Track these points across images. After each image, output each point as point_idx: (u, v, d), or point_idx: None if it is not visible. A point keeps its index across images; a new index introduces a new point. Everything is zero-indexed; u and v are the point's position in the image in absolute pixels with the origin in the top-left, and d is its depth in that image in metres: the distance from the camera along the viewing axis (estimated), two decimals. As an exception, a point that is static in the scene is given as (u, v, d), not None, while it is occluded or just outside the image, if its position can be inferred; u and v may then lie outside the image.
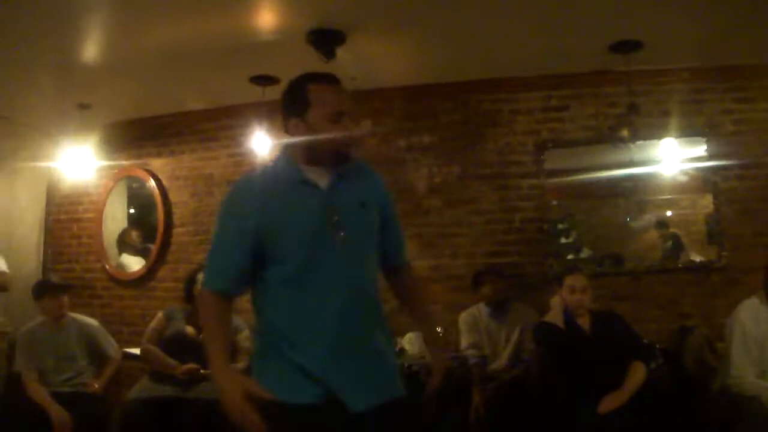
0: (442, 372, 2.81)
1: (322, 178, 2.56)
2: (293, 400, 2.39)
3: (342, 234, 2.49)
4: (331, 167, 2.58)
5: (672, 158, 5.77)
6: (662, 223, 5.92)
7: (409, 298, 2.95)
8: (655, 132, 5.74)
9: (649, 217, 5.98)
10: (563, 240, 6.02)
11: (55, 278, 5.54)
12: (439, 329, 2.98)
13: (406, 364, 5.19)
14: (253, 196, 2.55)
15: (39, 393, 4.92)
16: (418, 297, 3.05)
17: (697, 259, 5.73)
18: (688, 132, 5.72)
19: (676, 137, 5.73)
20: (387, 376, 2.59)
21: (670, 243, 5.89)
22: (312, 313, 2.46)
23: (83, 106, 6.70)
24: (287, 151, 2.64)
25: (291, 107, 2.59)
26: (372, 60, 5.63)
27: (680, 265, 5.71)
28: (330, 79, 2.61)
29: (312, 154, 2.57)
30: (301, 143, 2.56)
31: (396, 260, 2.87)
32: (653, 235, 5.96)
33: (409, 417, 2.63)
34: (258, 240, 2.48)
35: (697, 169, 5.74)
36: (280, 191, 2.54)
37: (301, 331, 2.46)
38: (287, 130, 2.62)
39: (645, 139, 5.68)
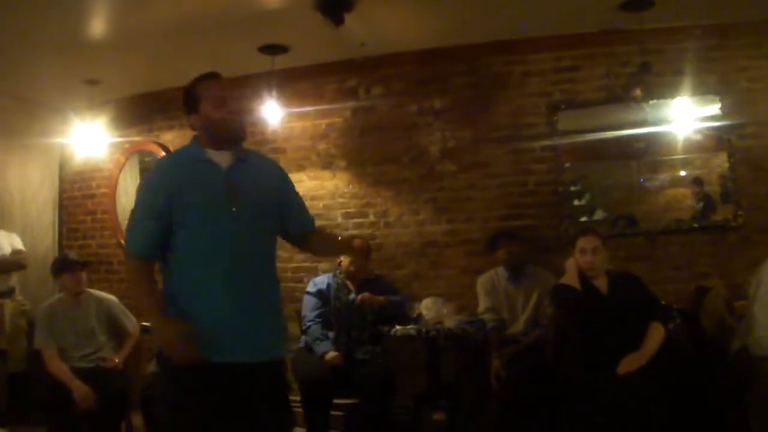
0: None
1: (224, 160, 2.99)
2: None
3: (237, 206, 2.90)
4: (231, 149, 3.02)
5: (685, 117, 5.69)
6: (698, 181, 5.84)
7: (322, 240, 3.56)
8: (668, 91, 5.65)
9: (665, 177, 5.94)
10: (576, 202, 5.99)
11: (72, 254, 5.53)
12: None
13: (423, 330, 5.21)
14: (164, 174, 3.04)
15: (60, 369, 4.94)
16: (325, 235, 3.88)
17: (713, 218, 5.69)
18: (702, 90, 5.62)
19: (689, 96, 5.63)
20: (264, 338, 2.95)
21: (701, 203, 5.82)
22: (203, 272, 2.86)
23: (92, 82, 6.72)
24: (196, 137, 3.06)
25: (187, 106, 3.04)
26: (381, 25, 5.60)
27: (696, 225, 5.66)
28: (211, 75, 3.06)
29: (213, 138, 2.99)
30: (203, 131, 3.00)
31: (306, 228, 3.36)
32: (681, 193, 5.90)
33: (279, 378, 3.10)
34: (167, 209, 2.85)
35: (711, 128, 5.66)
36: (186, 169, 2.95)
37: (193, 287, 2.88)
38: (191, 126, 3.06)
39: (658, 98, 5.63)
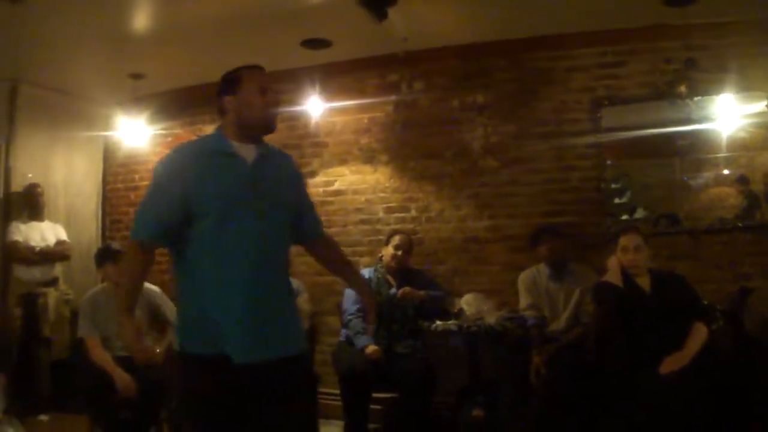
0: (374, 304, 3.46)
1: (249, 154, 2.93)
2: (188, 349, 2.84)
3: (262, 203, 2.87)
4: (256, 142, 2.98)
5: (730, 115, 5.62)
6: (743, 179, 5.77)
7: (330, 259, 3.50)
8: (713, 88, 5.56)
9: (708, 175, 5.87)
10: (617, 200, 5.94)
11: (116, 244, 5.59)
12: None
13: (464, 325, 5.21)
14: (184, 161, 2.89)
15: (103, 357, 4.99)
16: (337, 255, 3.53)
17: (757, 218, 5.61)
18: (747, 87, 5.55)
19: (734, 93, 5.55)
20: (282, 335, 2.91)
21: (746, 201, 5.75)
22: (226, 270, 2.79)
23: (136, 76, 6.79)
24: (220, 128, 3.00)
25: (225, 88, 2.97)
26: (424, 20, 5.58)
27: (740, 224, 5.59)
28: (256, 66, 3.03)
29: (242, 126, 2.94)
30: (233, 117, 2.94)
31: (314, 232, 3.32)
32: (724, 191, 5.84)
33: (299, 373, 3.04)
34: (183, 199, 2.79)
35: (757, 125, 5.60)
36: (208, 160, 2.88)
37: (215, 285, 2.80)
38: (221, 108, 2.99)
39: (702, 95, 5.53)
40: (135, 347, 2.80)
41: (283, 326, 2.94)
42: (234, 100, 2.93)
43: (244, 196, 2.84)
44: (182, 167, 2.86)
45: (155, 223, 2.82)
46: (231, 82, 2.96)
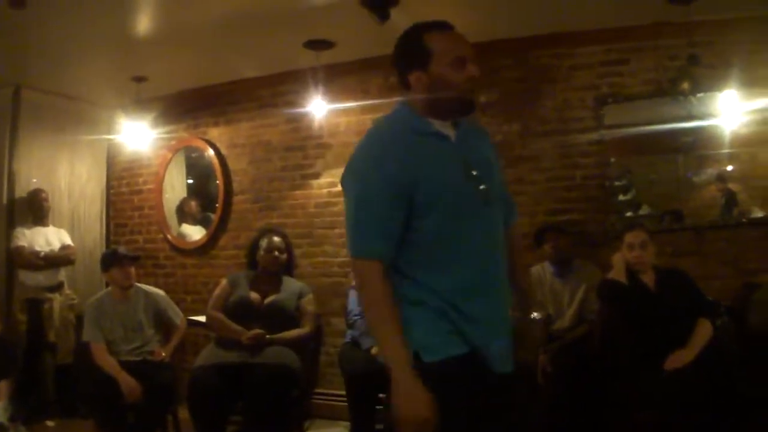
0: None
1: (450, 133, 2.46)
2: (444, 354, 2.31)
3: (482, 188, 2.40)
4: (452, 120, 2.47)
5: (734, 111, 5.62)
6: (721, 178, 5.79)
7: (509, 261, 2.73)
8: (717, 84, 5.55)
9: (711, 172, 5.87)
10: (622, 197, 5.94)
11: (122, 249, 5.60)
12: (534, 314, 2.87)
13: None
14: (396, 149, 2.36)
15: (108, 362, 5.01)
16: (514, 262, 2.73)
17: (760, 214, 5.60)
18: (750, 83, 5.54)
19: (738, 89, 5.55)
20: (509, 347, 2.49)
21: (724, 199, 5.77)
22: (462, 269, 2.36)
23: (139, 79, 6.81)
24: (407, 105, 2.49)
25: (410, 60, 2.45)
26: (426, 19, 5.57)
27: (744, 221, 5.58)
28: (445, 26, 2.48)
29: (437, 106, 2.43)
30: (424, 95, 2.41)
31: (507, 221, 2.69)
32: (712, 190, 5.85)
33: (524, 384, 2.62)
34: (410, 191, 2.31)
35: (760, 121, 5.60)
36: (415, 143, 2.38)
37: (451, 285, 2.35)
38: (407, 85, 2.47)
39: (706, 91, 5.53)
40: (415, 424, 2.18)
41: (510, 339, 2.51)
42: (424, 77, 2.40)
43: (460, 183, 2.38)
44: (397, 151, 2.35)
45: (385, 232, 2.34)
46: (417, 53, 2.42)
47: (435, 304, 2.34)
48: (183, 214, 7.67)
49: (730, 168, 5.78)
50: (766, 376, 4.32)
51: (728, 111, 5.61)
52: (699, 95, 5.52)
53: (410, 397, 2.19)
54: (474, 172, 2.40)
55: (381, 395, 5.06)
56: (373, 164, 2.35)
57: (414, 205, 2.32)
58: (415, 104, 2.46)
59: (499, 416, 2.41)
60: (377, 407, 5.11)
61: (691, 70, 5.32)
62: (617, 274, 4.57)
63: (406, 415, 2.19)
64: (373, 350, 5.05)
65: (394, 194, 2.30)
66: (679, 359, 4.13)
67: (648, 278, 4.53)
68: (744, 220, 5.56)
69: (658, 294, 4.46)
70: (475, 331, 2.34)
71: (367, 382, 4.97)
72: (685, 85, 5.39)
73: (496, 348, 2.39)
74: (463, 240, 2.37)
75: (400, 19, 5.14)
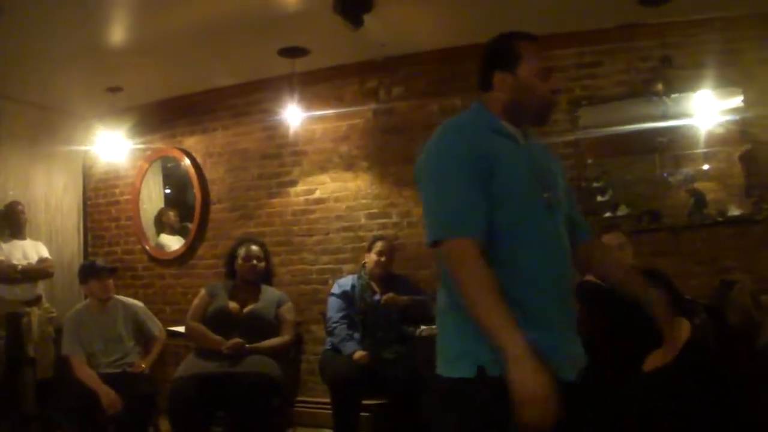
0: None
1: (521, 138, 2.46)
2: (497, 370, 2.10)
3: (547, 195, 2.37)
4: (524, 127, 2.49)
5: (708, 110, 5.66)
6: (689, 179, 5.84)
7: (606, 270, 2.78)
8: (690, 84, 5.61)
9: (687, 171, 5.91)
10: (599, 198, 5.97)
11: (100, 261, 5.58)
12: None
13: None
14: (474, 136, 2.32)
15: (88, 375, 5.00)
16: (614, 266, 2.77)
17: (737, 212, 5.64)
18: (724, 83, 5.58)
19: (711, 89, 5.60)
20: (574, 354, 2.40)
21: (692, 199, 5.83)
22: (537, 268, 2.28)
23: (115, 89, 6.79)
24: (483, 105, 2.50)
25: (499, 60, 2.49)
26: (401, 25, 5.61)
27: (720, 219, 5.61)
28: (536, 39, 2.52)
29: (514, 110, 2.45)
30: (505, 97, 2.44)
31: (582, 232, 2.67)
32: (705, 186, 5.87)
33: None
34: (490, 175, 2.24)
35: (734, 120, 5.63)
36: (489, 137, 2.36)
37: (526, 285, 2.24)
38: (489, 84, 2.50)
39: (679, 92, 5.59)
40: (538, 401, 1.96)
41: (577, 343, 2.44)
42: (510, 78, 2.44)
43: (531, 184, 2.35)
44: (476, 137, 2.33)
45: (473, 209, 2.22)
46: (507, 55, 2.47)
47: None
48: (161, 224, 7.64)
49: (706, 167, 5.82)
50: (746, 371, 4.36)
51: (703, 111, 5.64)
52: (673, 96, 5.56)
53: (532, 373, 1.98)
54: (540, 177, 2.38)
55: (364, 401, 5.07)
56: (452, 145, 2.32)
57: (492, 194, 2.25)
58: (492, 104, 2.47)
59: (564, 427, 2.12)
60: (361, 413, 5.11)
61: (664, 72, 5.37)
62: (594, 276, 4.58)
63: (531, 395, 1.97)
64: (356, 355, 5.05)
65: (475, 173, 2.24)
66: (657, 359, 4.14)
67: (626, 279, 4.55)
68: (720, 218, 5.59)
69: (637, 295, 4.47)
70: (545, 339, 2.17)
71: (351, 388, 4.98)
72: (659, 86, 5.45)
73: (565, 356, 2.30)
74: (537, 240, 2.31)
75: (374, 25, 5.17)
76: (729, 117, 5.62)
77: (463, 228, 2.20)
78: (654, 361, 4.13)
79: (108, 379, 4.95)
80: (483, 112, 2.47)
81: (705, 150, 5.80)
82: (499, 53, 2.50)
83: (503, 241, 2.25)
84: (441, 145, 2.35)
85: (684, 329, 4.31)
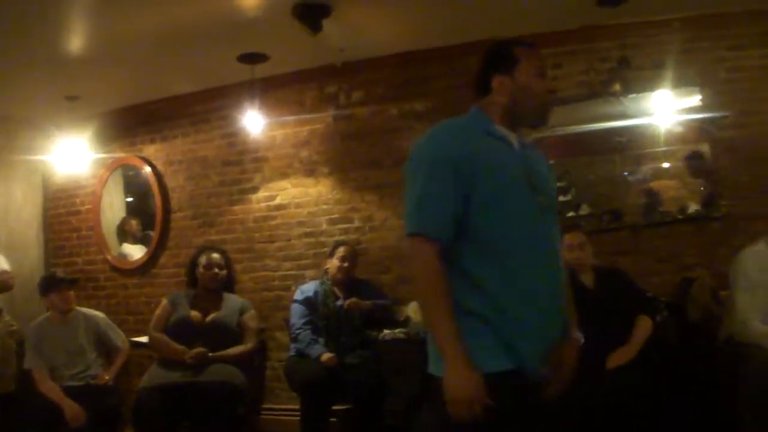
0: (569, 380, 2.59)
1: (514, 142, 2.53)
2: (489, 368, 2.26)
3: (540, 198, 2.44)
4: (521, 130, 2.58)
5: (666, 110, 5.70)
6: (643, 179, 5.92)
7: None
8: (648, 84, 5.65)
9: (647, 170, 5.95)
10: (562, 197, 5.99)
11: (60, 272, 5.52)
12: (576, 334, 2.67)
13: (411, 333, 5.20)
14: (461, 139, 2.42)
15: (51, 388, 4.96)
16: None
17: (695, 208, 5.69)
18: (682, 82, 5.62)
19: (669, 88, 5.64)
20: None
21: (646, 199, 5.90)
22: (516, 276, 2.34)
23: (72, 98, 6.72)
24: (482, 109, 2.57)
25: (497, 64, 2.55)
26: (360, 30, 5.60)
27: (680, 217, 5.66)
28: (533, 44, 2.61)
29: (513, 113, 2.53)
30: (504, 100, 2.52)
31: None
32: (664, 184, 5.91)
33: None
34: (470, 180, 2.33)
35: (692, 119, 5.67)
36: (482, 140, 2.44)
37: (504, 291, 2.32)
38: (489, 88, 2.55)
39: (638, 92, 5.62)
40: (466, 406, 2.18)
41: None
42: (508, 81, 2.50)
43: (524, 187, 2.41)
44: (462, 140, 2.41)
45: (443, 211, 2.33)
46: (505, 58, 2.54)
47: (488, 313, 2.32)
48: (124, 233, 7.58)
49: (666, 165, 5.86)
50: (708, 366, 4.40)
51: (662, 110, 5.68)
52: (631, 96, 5.60)
53: (460, 376, 2.20)
54: (532, 182, 2.44)
55: (334, 407, 5.07)
56: (437, 146, 2.43)
57: (475, 199, 2.34)
58: (490, 108, 2.55)
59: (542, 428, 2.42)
60: (330, 419, 5.12)
61: (622, 72, 5.40)
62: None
63: (456, 395, 2.20)
64: (323, 357, 5.03)
65: (456, 178, 2.32)
66: (620, 357, 4.19)
67: (587, 278, 4.59)
68: (680, 216, 5.64)
69: (598, 293, 4.51)
70: (525, 345, 2.32)
71: (320, 391, 4.96)
72: (617, 87, 5.48)
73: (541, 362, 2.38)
74: (525, 244, 2.37)
75: (332, 30, 5.17)
76: (687, 116, 5.65)
77: (429, 229, 2.33)
78: (618, 358, 4.17)
79: (71, 392, 4.91)
80: (480, 116, 2.54)
81: (665, 149, 5.84)
82: (498, 57, 2.57)
83: (494, 243, 2.35)
84: (428, 145, 2.46)
85: (646, 327, 4.36)
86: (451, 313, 2.26)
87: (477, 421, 2.18)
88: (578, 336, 2.66)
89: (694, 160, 5.77)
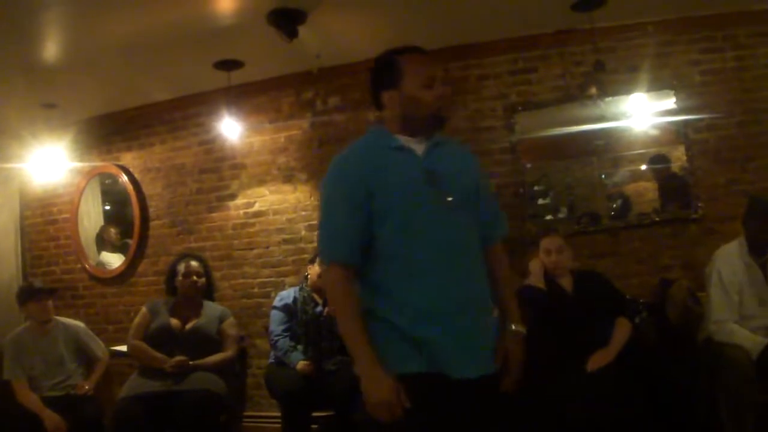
0: (517, 371, 2.67)
1: (418, 146, 2.62)
2: (401, 369, 2.44)
3: (447, 198, 2.54)
4: (426, 136, 2.64)
5: (642, 113, 5.75)
6: (625, 180, 5.96)
7: (491, 279, 2.74)
8: (624, 87, 5.71)
9: (625, 173, 5.98)
10: (541, 201, 6.01)
11: (38, 282, 5.48)
12: (515, 327, 2.72)
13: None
14: (357, 160, 2.60)
15: (30, 399, 4.90)
16: (496, 280, 2.78)
17: (673, 211, 5.73)
18: (657, 85, 5.69)
19: (644, 92, 5.70)
20: (485, 348, 2.58)
21: (619, 202, 5.94)
22: (417, 277, 2.48)
23: (49, 106, 6.69)
24: (381, 124, 2.71)
25: (383, 80, 2.64)
26: (335, 36, 5.60)
27: (657, 219, 5.70)
28: (416, 49, 2.67)
29: (408, 123, 2.62)
30: (397, 113, 2.62)
31: (488, 233, 2.76)
32: (642, 186, 5.94)
33: (499, 393, 2.62)
34: (368, 199, 2.50)
35: (668, 122, 5.72)
36: (378, 157, 2.58)
37: (407, 294, 2.49)
38: (381, 104, 2.69)
39: (614, 95, 5.67)
40: (383, 410, 2.37)
41: (487, 337, 2.60)
42: (396, 94, 2.60)
43: (421, 190, 2.52)
44: (358, 164, 2.57)
45: (348, 238, 2.52)
46: (388, 73, 2.62)
47: (395, 317, 2.48)
48: (102, 241, 7.53)
49: (643, 167, 5.89)
50: (687, 366, 4.43)
51: (637, 113, 5.72)
52: (607, 99, 5.63)
53: (374, 382, 2.39)
54: (436, 181, 2.53)
55: (315, 414, 5.06)
56: (335, 177, 2.62)
57: (373, 213, 2.51)
58: (389, 122, 2.67)
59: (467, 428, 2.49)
60: (311, 425, 5.12)
61: (598, 76, 5.43)
62: (535, 280, 4.62)
63: (373, 400, 2.38)
64: (298, 365, 5.02)
65: (352, 204, 2.51)
66: (600, 359, 4.20)
67: (566, 282, 4.60)
68: (657, 218, 5.68)
69: (577, 297, 4.53)
70: (439, 340, 2.46)
71: (299, 399, 4.95)
72: (593, 91, 5.51)
73: (465, 354, 2.48)
74: (426, 246, 2.50)
75: (308, 36, 5.17)
76: (663, 119, 5.69)
77: (334, 255, 2.56)
78: (597, 361, 4.18)
79: (51, 403, 4.87)
80: (380, 131, 2.69)
81: (642, 151, 5.87)
82: (382, 73, 2.66)
83: (396, 250, 2.52)
84: (329, 176, 2.64)
85: (625, 329, 4.38)
86: (359, 327, 2.47)
87: (398, 421, 2.36)
88: (519, 329, 2.72)
89: (656, 163, 5.86)
